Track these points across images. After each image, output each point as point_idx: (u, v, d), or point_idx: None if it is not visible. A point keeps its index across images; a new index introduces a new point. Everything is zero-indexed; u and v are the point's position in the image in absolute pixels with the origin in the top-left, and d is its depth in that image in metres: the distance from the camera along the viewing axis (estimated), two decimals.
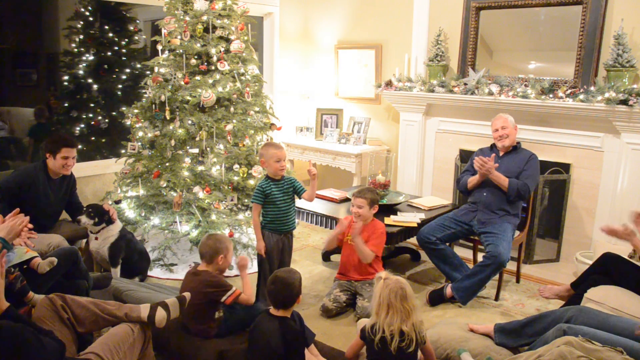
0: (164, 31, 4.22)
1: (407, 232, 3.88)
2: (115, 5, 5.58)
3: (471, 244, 4.16)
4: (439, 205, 4.32)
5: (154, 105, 4.15)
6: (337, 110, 5.87)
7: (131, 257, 3.74)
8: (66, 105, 5.65)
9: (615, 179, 4.04)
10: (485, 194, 3.82)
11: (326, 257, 4.46)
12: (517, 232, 3.86)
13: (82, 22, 5.59)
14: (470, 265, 3.83)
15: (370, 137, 5.60)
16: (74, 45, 5.55)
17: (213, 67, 4.18)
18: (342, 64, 5.85)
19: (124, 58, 5.64)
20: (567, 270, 4.21)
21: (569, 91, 4.08)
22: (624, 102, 3.77)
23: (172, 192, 4.03)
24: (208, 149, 4.07)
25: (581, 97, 3.99)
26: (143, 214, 4.15)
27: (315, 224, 4.14)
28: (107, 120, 5.59)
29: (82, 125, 5.56)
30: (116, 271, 3.65)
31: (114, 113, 5.57)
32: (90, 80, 5.51)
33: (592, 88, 3.96)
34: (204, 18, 4.10)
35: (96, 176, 4.79)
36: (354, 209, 3.53)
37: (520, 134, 4.09)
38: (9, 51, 5.79)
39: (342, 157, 5.41)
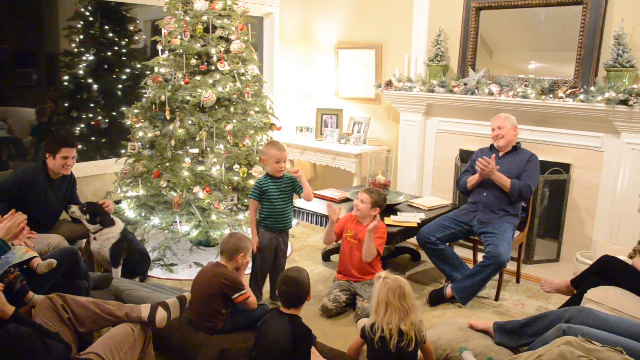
0: (164, 31, 4.22)
1: (407, 232, 3.88)
2: (115, 5, 5.58)
3: (471, 244, 4.16)
4: (439, 205, 4.32)
5: (154, 105, 4.15)
6: (337, 110, 5.87)
7: (132, 257, 3.75)
8: (66, 105, 5.66)
9: (615, 179, 4.04)
10: (485, 194, 3.83)
11: (326, 257, 4.47)
12: (517, 232, 3.86)
13: (82, 22, 5.59)
14: (470, 265, 3.83)
15: (370, 137, 5.60)
16: (74, 45, 5.55)
17: (213, 67, 4.18)
18: (342, 64, 5.85)
19: (124, 58, 5.64)
20: (567, 270, 4.21)
21: (569, 91, 4.08)
22: (624, 102, 3.77)
23: (172, 192, 4.03)
24: (208, 149, 4.07)
25: (581, 97, 3.99)
26: (143, 214, 4.15)
27: (315, 224, 4.15)
28: (107, 120, 5.59)
29: (82, 125, 5.56)
30: (117, 271, 3.65)
31: (114, 113, 5.57)
32: (90, 80, 5.52)
33: (592, 88, 3.97)
34: (204, 18, 4.11)
35: (96, 176, 4.80)
36: (356, 202, 3.56)
37: (521, 134, 4.09)
38: (8, 51, 5.80)
39: (342, 157, 5.41)
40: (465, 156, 4.72)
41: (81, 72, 5.51)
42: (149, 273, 4.03)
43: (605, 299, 2.79)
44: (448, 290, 3.63)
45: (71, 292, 2.50)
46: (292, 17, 6.05)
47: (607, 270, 2.98)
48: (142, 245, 3.98)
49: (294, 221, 4.69)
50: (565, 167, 4.33)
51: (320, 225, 4.11)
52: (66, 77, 5.53)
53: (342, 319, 3.46)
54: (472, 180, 3.88)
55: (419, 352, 2.51)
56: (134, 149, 4.24)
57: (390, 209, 4.14)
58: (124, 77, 5.59)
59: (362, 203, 3.50)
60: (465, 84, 4.62)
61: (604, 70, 4.00)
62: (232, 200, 4.09)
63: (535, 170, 3.77)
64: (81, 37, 5.55)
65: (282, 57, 6.03)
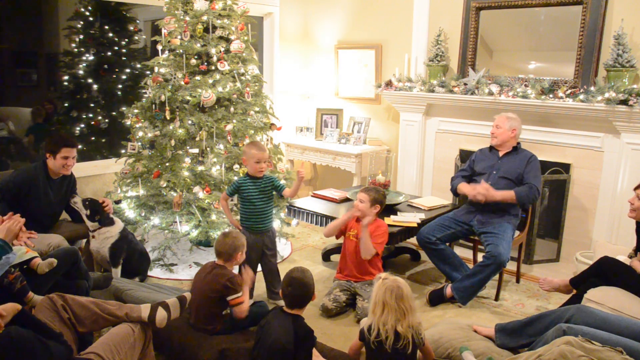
0: (164, 31, 4.22)
1: (407, 232, 3.88)
2: (115, 5, 5.59)
3: (471, 244, 4.16)
4: (439, 205, 4.32)
5: (154, 105, 4.15)
6: (337, 110, 5.87)
7: (132, 257, 3.74)
8: (66, 105, 5.66)
9: (615, 179, 4.04)
10: None
11: (326, 257, 4.47)
12: (517, 232, 3.86)
13: (82, 22, 5.59)
14: (470, 265, 3.83)
15: (370, 137, 5.60)
16: (74, 45, 5.56)
17: (213, 67, 4.18)
18: (342, 64, 5.85)
19: (124, 58, 5.64)
20: (567, 270, 4.21)
21: (569, 91, 4.08)
22: (624, 102, 3.77)
23: (172, 192, 4.03)
24: (208, 149, 4.07)
25: (581, 97, 3.99)
26: (143, 214, 4.15)
27: (315, 224, 4.14)
28: (107, 120, 5.59)
29: (82, 125, 5.57)
30: (117, 271, 3.65)
31: (113, 113, 5.58)
32: (90, 80, 5.52)
33: (592, 88, 3.97)
34: (204, 18, 4.10)
35: (96, 176, 4.79)
36: (356, 202, 3.55)
37: (521, 134, 4.08)
38: (9, 51, 5.80)
39: (342, 157, 5.41)
40: (465, 156, 4.72)
41: (81, 72, 5.51)
42: (149, 273, 4.03)
43: (605, 299, 2.79)
44: (448, 290, 3.63)
45: (71, 292, 2.50)
46: (292, 17, 6.06)
47: (606, 272, 2.98)
48: (142, 245, 3.98)
49: (294, 221, 4.71)
50: (566, 167, 4.33)
51: (320, 225, 4.10)
52: (66, 77, 5.54)
53: (342, 318, 3.46)
54: (463, 189, 3.87)
55: (419, 353, 2.51)
56: (134, 149, 4.24)
57: (390, 209, 4.14)
58: (124, 77, 5.60)
59: (362, 203, 3.50)
60: (465, 84, 4.62)
61: (604, 70, 4.00)
62: (232, 200, 4.08)
63: (536, 171, 3.77)
64: (81, 37, 5.56)
65: (282, 57, 6.03)
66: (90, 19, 5.50)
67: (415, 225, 3.84)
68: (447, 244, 3.85)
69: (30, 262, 2.68)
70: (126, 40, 5.73)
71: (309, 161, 5.82)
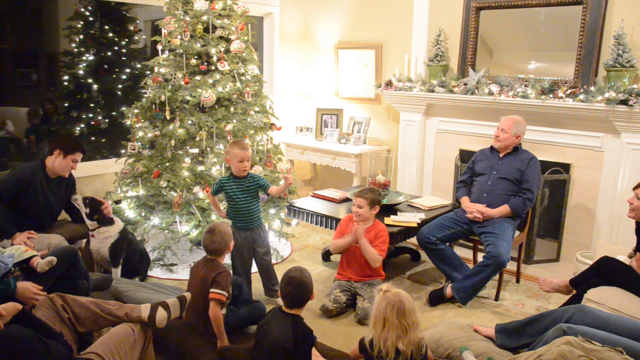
0: (164, 31, 4.22)
1: (407, 232, 3.88)
2: (115, 5, 5.58)
3: (471, 244, 4.16)
4: (439, 205, 4.32)
5: (154, 105, 4.15)
6: (337, 110, 5.87)
7: (132, 257, 3.75)
8: (66, 105, 5.66)
9: (615, 179, 4.04)
10: (485, 195, 3.83)
11: (326, 257, 4.46)
12: (517, 232, 3.86)
13: (82, 22, 5.59)
14: (470, 265, 3.83)
15: (370, 137, 5.60)
16: (74, 45, 5.55)
17: (213, 67, 4.18)
18: (342, 64, 5.85)
19: (124, 58, 5.63)
20: (567, 270, 4.21)
21: (569, 91, 4.08)
22: (624, 102, 3.77)
23: (172, 192, 4.03)
24: (208, 149, 4.07)
25: (581, 97, 3.99)
26: (143, 214, 4.15)
27: (315, 224, 4.14)
28: (107, 120, 5.58)
29: (82, 126, 5.56)
30: (117, 271, 3.65)
31: (114, 113, 5.57)
32: (90, 80, 5.51)
33: (592, 88, 3.97)
34: (204, 18, 4.10)
35: (96, 176, 4.79)
36: (354, 209, 3.53)
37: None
38: (9, 51, 5.80)
39: (342, 157, 5.41)
40: (466, 156, 4.72)
41: (81, 72, 5.51)
42: (149, 273, 4.04)
43: (605, 299, 2.79)
44: (448, 290, 3.63)
45: (71, 292, 2.50)
46: (292, 17, 6.06)
47: (606, 272, 2.98)
48: (142, 245, 3.98)
49: (294, 221, 4.71)
50: (566, 167, 4.33)
51: (320, 225, 4.10)
52: (66, 77, 5.53)
53: (342, 319, 3.46)
54: (463, 204, 3.91)
55: None
56: (134, 149, 4.24)
57: (390, 209, 4.14)
58: (124, 77, 5.59)
59: (361, 208, 3.50)
60: (465, 84, 4.62)
61: (604, 70, 4.00)
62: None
63: (535, 174, 3.77)
64: (81, 37, 5.55)
65: (282, 57, 6.03)
66: (90, 18, 5.49)
67: (415, 225, 3.84)
68: (447, 244, 3.85)
69: (29, 260, 2.68)
70: (126, 40, 5.73)
71: (308, 161, 5.81)
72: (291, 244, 4.76)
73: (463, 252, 4.31)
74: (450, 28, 4.90)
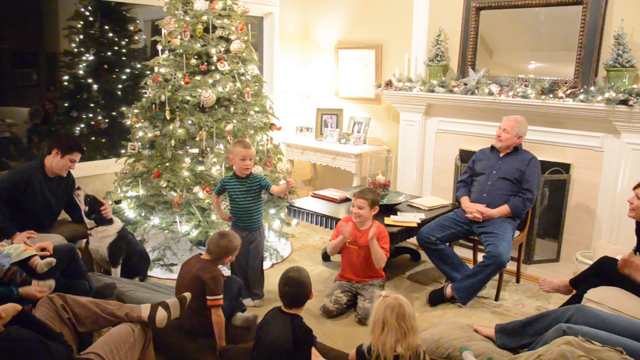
0: (164, 31, 4.22)
1: (407, 232, 3.88)
2: (115, 5, 5.58)
3: (471, 244, 4.15)
4: (438, 205, 4.32)
5: (154, 106, 4.15)
6: (337, 110, 5.87)
7: (131, 257, 3.74)
8: (66, 105, 5.66)
9: (615, 179, 4.04)
10: (485, 195, 3.83)
11: (326, 257, 4.46)
12: (517, 232, 3.86)
13: (82, 22, 5.59)
14: (470, 265, 3.83)
15: (370, 137, 5.60)
16: (74, 45, 5.55)
17: (213, 67, 4.18)
18: (342, 64, 5.85)
19: (124, 58, 5.63)
20: (567, 270, 4.21)
21: (569, 91, 4.09)
22: (624, 102, 3.77)
23: (172, 192, 4.03)
24: (208, 149, 4.07)
25: (581, 97, 3.99)
26: (143, 214, 4.15)
27: (315, 224, 4.14)
28: (107, 120, 5.58)
29: (82, 125, 5.56)
30: (116, 271, 3.65)
31: (114, 113, 5.57)
32: (90, 81, 5.51)
33: (592, 88, 3.97)
34: (204, 18, 4.10)
35: (96, 176, 4.78)
36: (355, 210, 3.53)
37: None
38: (9, 51, 5.80)
39: (342, 157, 5.41)
40: (466, 156, 4.72)
41: (81, 72, 5.51)
42: (149, 273, 4.03)
43: (605, 299, 2.79)
44: (448, 290, 3.63)
45: (71, 292, 2.50)
46: (292, 17, 6.05)
47: (606, 272, 2.98)
48: (142, 245, 3.98)
49: (294, 221, 4.70)
50: (566, 167, 4.33)
51: (320, 225, 4.10)
52: (66, 77, 5.53)
53: (342, 319, 3.46)
54: (463, 204, 3.92)
55: None
56: (134, 149, 4.23)
57: (390, 209, 4.14)
58: (124, 77, 5.59)
59: (362, 209, 3.50)
60: (465, 84, 4.62)
61: (604, 70, 4.00)
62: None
63: (534, 175, 3.78)
64: (81, 37, 5.55)
65: (282, 57, 6.03)
66: (91, 19, 5.50)
67: (415, 225, 3.84)
68: (447, 244, 3.85)
69: (29, 260, 2.68)
70: (126, 40, 5.73)
71: (309, 161, 5.81)
72: (291, 244, 4.75)
73: (463, 252, 4.31)
74: (450, 28, 4.90)
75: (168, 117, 4.08)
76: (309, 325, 2.55)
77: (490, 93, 4.43)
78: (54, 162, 3.58)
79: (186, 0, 4.17)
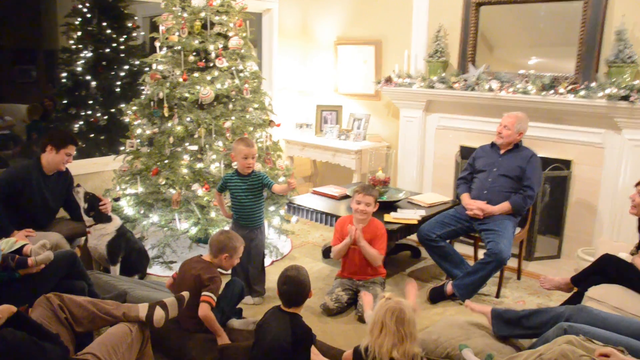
0: (161, 28, 4.19)
1: (407, 229, 3.86)
2: (113, 1, 5.55)
3: (472, 241, 4.13)
4: (439, 202, 4.30)
5: (152, 103, 4.12)
6: (337, 106, 5.84)
7: (130, 255, 3.73)
8: (65, 102, 5.64)
9: (617, 176, 4.02)
10: (485, 192, 3.81)
11: (326, 254, 4.44)
12: (518, 229, 3.84)
13: (80, 19, 5.56)
14: (471, 263, 3.81)
15: (370, 134, 5.57)
16: (72, 42, 5.53)
17: (211, 64, 4.15)
18: (342, 60, 5.82)
19: (122, 55, 5.60)
20: (569, 267, 4.18)
21: (569, 87, 4.06)
22: (625, 98, 3.75)
23: (171, 190, 4.00)
24: (207, 146, 4.04)
25: (582, 93, 3.96)
26: (142, 212, 4.13)
27: (315, 221, 4.13)
28: (105, 117, 5.56)
29: (81, 122, 5.54)
30: (115, 269, 3.64)
31: (112, 110, 5.55)
32: (88, 77, 5.49)
33: (593, 84, 3.94)
34: (202, 14, 4.07)
35: (95, 173, 4.75)
36: (361, 207, 3.46)
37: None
38: (8, 48, 5.78)
39: (342, 154, 5.38)
40: (466, 153, 4.69)
41: (79, 69, 5.48)
42: (149, 270, 4.02)
43: (606, 297, 2.77)
44: (449, 288, 3.62)
45: (68, 291, 2.48)
46: (291, 13, 6.01)
47: (607, 269, 2.95)
48: (141, 242, 3.97)
49: (294, 218, 4.68)
50: (566, 164, 4.31)
51: (320, 222, 4.08)
52: (64, 74, 5.51)
53: (342, 317, 3.44)
54: (463, 201, 3.90)
55: None
56: (132, 147, 4.21)
57: (390, 206, 4.12)
58: (122, 74, 5.56)
59: (369, 206, 3.46)
60: (465, 80, 4.59)
61: (605, 66, 3.98)
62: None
63: (535, 172, 3.75)
64: (79, 33, 5.52)
65: (281, 54, 5.99)
66: (88, 15, 5.46)
67: (416, 222, 3.82)
68: (448, 241, 3.83)
69: (21, 250, 2.67)
70: (125, 36, 5.70)
71: (308, 157, 5.79)
72: (291, 241, 4.74)
73: (464, 249, 4.29)
74: (450, 24, 4.87)
75: (166, 115, 4.05)
76: (309, 324, 2.53)
77: (491, 89, 4.40)
78: (49, 158, 3.55)
79: None
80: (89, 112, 5.52)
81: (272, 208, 4.36)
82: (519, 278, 4.07)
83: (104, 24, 5.49)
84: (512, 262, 3.93)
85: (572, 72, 4.21)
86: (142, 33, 5.83)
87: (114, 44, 5.54)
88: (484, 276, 3.51)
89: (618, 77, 3.82)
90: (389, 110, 5.56)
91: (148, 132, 4.15)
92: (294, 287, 2.48)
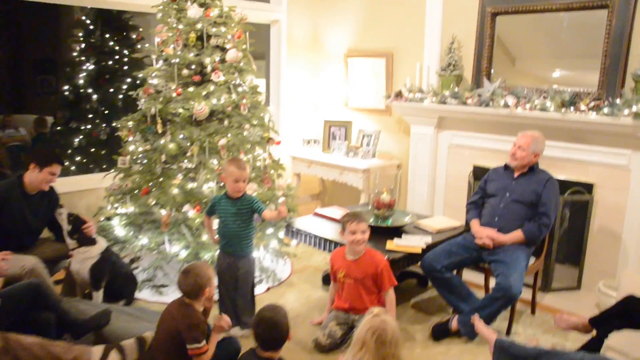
0: (156, 40, 4.01)
1: (412, 257, 3.55)
2: (117, 13, 5.43)
3: (482, 270, 3.81)
4: (448, 227, 3.99)
5: (146, 118, 3.94)
6: (346, 122, 5.59)
7: (115, 280, 3.52)
8: (67, 115, 5.53)
9: None
10: (497, 218, 3.50)
11: (327, 280, 4.15)
12: (532, 259, 3.52)
13: (85, 31, 5.47)
14: (482, 294, 3.49)
15: (380, 151, 5.30)
16: (75, 54, 5.43)
17: (208, 78, 3.95)
18: (352, 73, 5.57)
19: (125, 67, 5.47)
20: (589, 300, 3.84)
21: (592, 104, 3.73)
22: None
23: (162, 211, 3.79)
24: (201, 164, 3.82)
25: (606, 110, 3.63)
26: (132, 233, 3.93)
27: (314, 247, 3.86)
28: (106, 132, 5.42)
29: (82, 137, 5.42)
30: (98, 295, 3.43)
31: (114, 124, 5.40)
32: (90, 90, 5.37)
33: (618, 100, 3.61)
34: (198, 26, 3.88)
35: (90, 190, 4.57)
36: (358, 236, 3.14)
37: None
38: (29, 59, 5.73)
39: (349, 172, 5.11)
40: (480, 173, 4.37)
41: (81, 81, 5.36)
42: (138, 295, 3.81)
43: (629, 348, 2.45)
44: (454, 324, 3.31)
45: (31, 324, 2.28)
46: (300, 25, 5.79)
47: (632, 313, 2.61)
48: (129, 266, 3.77)
49: (293, 242, 4.42)
50: (588, 187, 3.96)
51: (319, 248, 3.81)
52: (66, 87, 5.40)
53: (335, 354, 3.14)
54: (472, 228, 3.60)
55: None
56: (124, 164, 4.02)
57: (395, 231, 3.83)
58: (124, 87, 5.43)
59: (365, 233, 3.17)
60: (479, 95, 4.29)
61: (632, 80, 3.64)
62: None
63: (552, 196, 3.43)
64: (82, 45, 5.42)
65: (289, 66, 5.77)
66: (91, 27, 5.35)
67: (420, 251, 3.52)
68: (455, 271, 3.52)
69: None
70: (129, 49, 5.57)
71: (315, 175, 5.53)
72: (291, 264, 4.48)
73: (474, 277, 3.98)
74: (465, 35, 4.58)
75: (160, 131, 3.86)
76: None
77: (506, 105, 4.10)
78: (32, 177, 3.39)
79: (180, 8, 3.95)
80: (88, 126, 5.39)
81: (270, 230, 4.12)
82: (533, 312, 3.73)
83: (107, 35, 5.36)
84: (526, 294, 3.60)
85: (595, 87, 3.88)
86: (147, 45, 5.68)
87: (117, 57, 5.40)
88: (492, 313, 3.19)
89: None
90: (400, 126, 5.28)
91: (140, 149, 3.96)
92: (269, 330, 2.24)
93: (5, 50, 6.59)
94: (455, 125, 4.67)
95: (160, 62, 4.08)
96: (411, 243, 3.60)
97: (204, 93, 3.86)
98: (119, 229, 3.98)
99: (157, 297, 3.84)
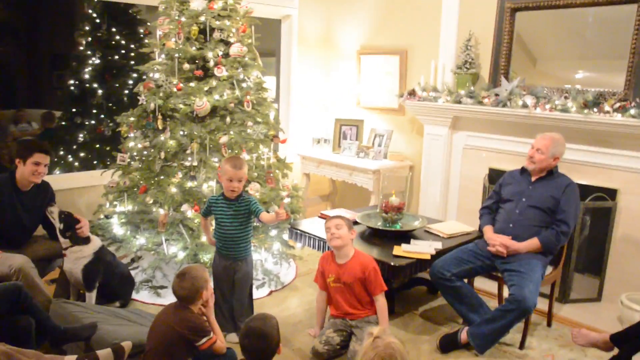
0: (158, 33, 3.87)
1: (420, 264, 3.35)
2: (124, 7, 5.31)
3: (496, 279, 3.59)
4: (460, 232, 3.78)
5: (147, 114, 3.80)
6: (358, 121, 5.40)
7: (110, 280, 3.39)
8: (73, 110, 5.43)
9: None
10: (511, 225, 3.28)
11: None
12: (549, 269, 3.29)
13: (94, 25, 5.36)
14: (495, 304, 3.28)
15: (392, 151, 5.10)
16: (81, 48, 5.33)
17: (211, 73, 3.79)
18: (365, 70, 5.38)
19: (132, 62, 5.36)
20: (610, 313, 3.60)
21: (617, 105, 3.49)
22: None
23: (160, 210, 3.65)
24: (201, 162, 3.67)
25: (632, 112, 3.40)
26: (129, 232, 3.80)
27: (318, 250, 3.69)
28: (111, 127, 5.31)
29: (86, 132, 5.31)
30: (91, 296, 3.31)
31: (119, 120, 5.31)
32: (95, 85, 5.26)
33: None
34: (201, 19, 3.73)
35: (91, 187, 4.45)
36: (332, 231, 3.01)
37: None
38: (46, 53, 5.65)
39: (359, 173, 4.92)
40: (495, 176, 4.15)
41: (87, 76, 5.26)
42: (135, 296, 3.68)
43: None
44: (463, 335, 3.10)
45: (10, 329, 2.14)
46: (312, 20, 5.62)
47: None
48: (125, 266, 3.64)
49: (298, 244, 4.25)
50: (611, 193, 3.72)
51: (322, 251, 3.64)
52: (71, 82, 5.31)
53: None
54: (485, 235, 3.39)
55: None
56: (123, 161, 3.89)
57: (403, 236, 3.63)
58: (130, 82, 5.31)
59: (339, 229, 3.00)
60: (496, 95, 4.08)
61: None
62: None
63: (572, 203, 3.20)
64: (89, 39, 5.31)
65: (300, 63, 5.60)
66: (97, 21, 5.24)
67: (429, 257, 3.31)
68: (465, 280, 3.32)
69: None
70: (136, 43, 5.46)
71: (324, 175, 5.35)
72: (296, 267, 4.31)
73: (487, 285, 3.76)
74: (482, 32, 4.36)
75: (160, 127, 3.72)
76: None
77: (525, 105, 3.87)
78: (20, 172, 3.28)
79: (183, 0, 3.81)
80: (94, 122, 5.28)
81: (273, 232, 3.95)
82: (549, 325, 3.50)
83: (114, 29, 5.25)
84: (542, 304, 3.38)
85: (621, 87, 3.64)
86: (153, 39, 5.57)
87: (123, 51, 5.28)
88: (505, 325, 2.98)
89: None
90: (414, 126, 5.08)
91: (139, 145, 3.82)
92: (256, 341, 2.07)
93: (22, 45, 6.55)
94: (470, 125, 4.45)
95: (162, 55, 3.94)
96: (420, 249, 3.39)
97: (205, 88, 3.71)
98: (117, 228, 3.85)
99: (154, 298, 3.71)
